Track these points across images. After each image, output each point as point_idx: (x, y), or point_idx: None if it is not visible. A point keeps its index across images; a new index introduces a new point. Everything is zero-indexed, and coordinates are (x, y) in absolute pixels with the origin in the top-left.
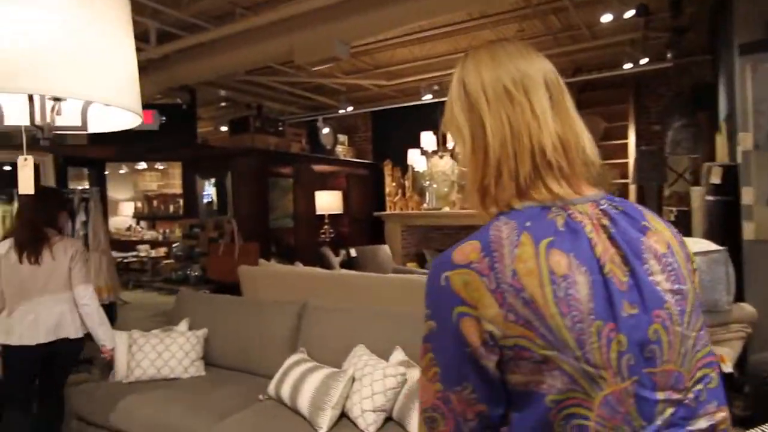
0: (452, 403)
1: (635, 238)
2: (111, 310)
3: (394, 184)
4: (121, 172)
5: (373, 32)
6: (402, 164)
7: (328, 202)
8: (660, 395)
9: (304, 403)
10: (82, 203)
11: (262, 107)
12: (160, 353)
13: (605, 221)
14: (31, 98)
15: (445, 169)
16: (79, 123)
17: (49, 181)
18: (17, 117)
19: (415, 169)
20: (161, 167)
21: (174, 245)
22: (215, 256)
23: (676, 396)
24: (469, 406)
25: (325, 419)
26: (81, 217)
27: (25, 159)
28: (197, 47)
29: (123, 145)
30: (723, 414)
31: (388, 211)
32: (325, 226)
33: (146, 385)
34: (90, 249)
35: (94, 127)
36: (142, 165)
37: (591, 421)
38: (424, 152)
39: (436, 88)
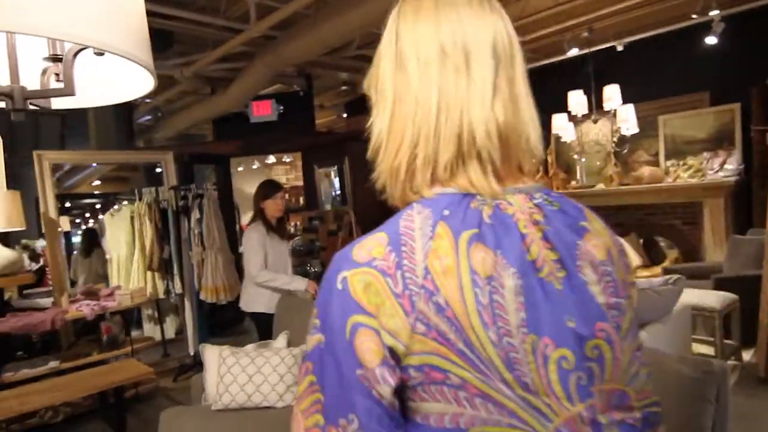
0: None
1: (571, 241)
2: (232, 310)
3: (533, 160)
4: (254, 167)
5: None
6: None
7: None
8: (602, 419)
9: None
10: (196, 201)
11: None
12: (251, 376)
13: (538, 217)
14: None
15: (599, 137)
16: (62, 84)
17: (171, 179)
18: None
19: (562, 139)
20: (288, 159)
21: (294, 239)
22: (332, 250)
23: (618, 416)
24: None
25: None
26: (195, 215)
27: None
28: (300, 19)
29: (244, 139)
30: None
31: None
32: None
33: (233, 415)
34: (206, 248)
35: (86, 97)
36: (272, 159)
37: None
38: (572, 118)
39: (586, 34)
